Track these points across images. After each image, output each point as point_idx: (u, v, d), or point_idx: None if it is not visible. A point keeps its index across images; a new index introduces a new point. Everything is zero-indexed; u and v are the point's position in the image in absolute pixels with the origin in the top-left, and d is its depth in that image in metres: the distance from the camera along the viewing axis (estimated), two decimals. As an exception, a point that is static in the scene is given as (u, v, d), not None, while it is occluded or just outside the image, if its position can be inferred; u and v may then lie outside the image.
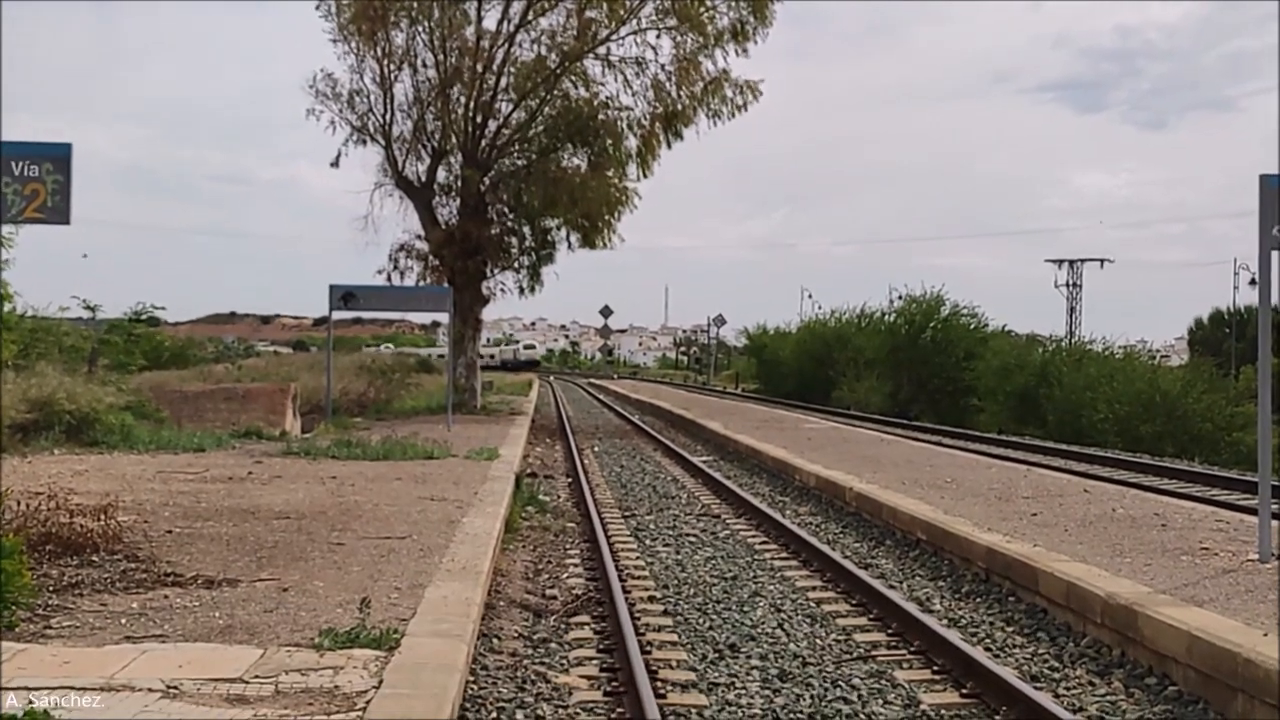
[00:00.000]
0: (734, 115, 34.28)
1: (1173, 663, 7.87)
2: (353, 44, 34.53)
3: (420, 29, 34.70)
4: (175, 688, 6.23)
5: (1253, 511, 11.71)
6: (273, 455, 19.45)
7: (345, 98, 34.98)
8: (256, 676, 6.50)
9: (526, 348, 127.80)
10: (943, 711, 7.51)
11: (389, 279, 35.05)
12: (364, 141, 35.29)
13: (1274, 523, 10.96)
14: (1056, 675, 8.32)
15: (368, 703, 6.06)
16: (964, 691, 7.87)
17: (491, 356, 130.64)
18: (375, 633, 7.34)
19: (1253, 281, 51.02)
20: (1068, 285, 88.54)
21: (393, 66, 34.84)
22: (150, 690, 6.17)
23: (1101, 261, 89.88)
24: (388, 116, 35.13)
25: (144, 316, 38.56)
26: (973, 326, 55.76)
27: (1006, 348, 51.49)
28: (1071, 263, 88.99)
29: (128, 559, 9.78)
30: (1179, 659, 7.79)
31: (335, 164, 35.47)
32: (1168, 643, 7.95)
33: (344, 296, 27.30)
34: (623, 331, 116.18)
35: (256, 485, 15.36)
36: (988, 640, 9.33)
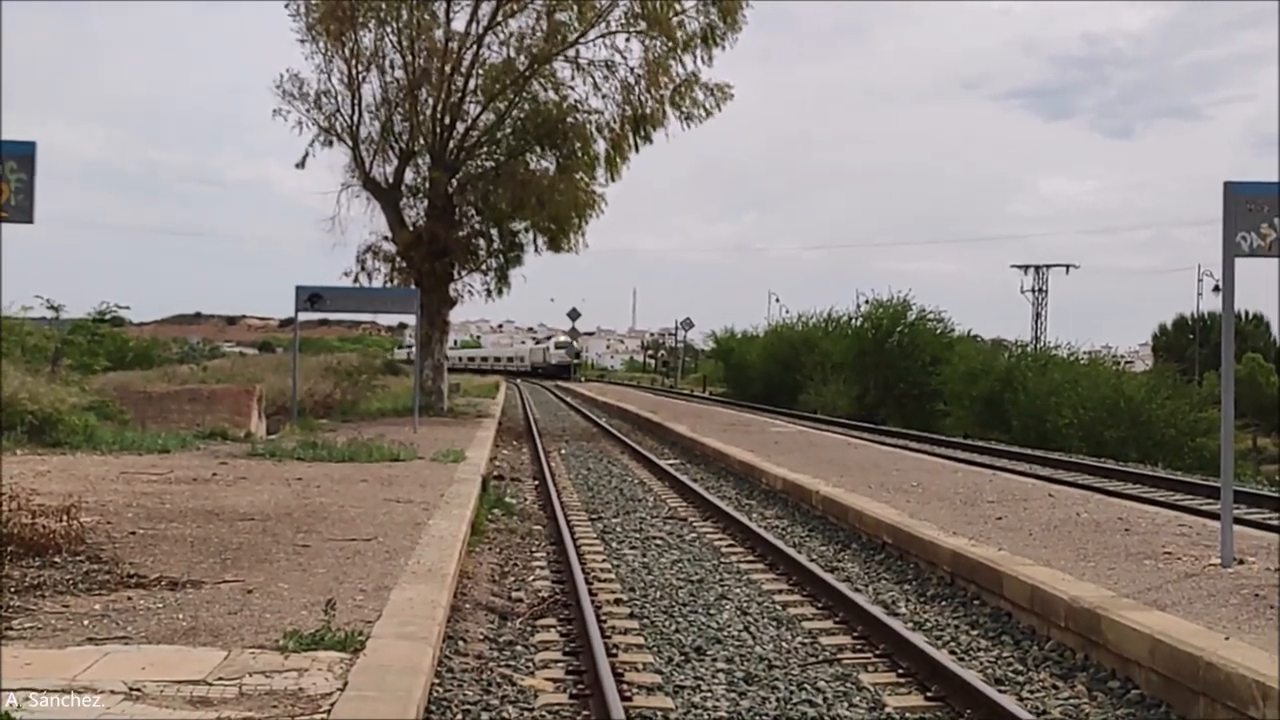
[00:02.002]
0: (704, 118, 34.37)
1: (1135, 666, 7.92)
2: (320, 44, 34.42)
3: (388, 30, 34.62)
4: (138, 690, 6.18)
5: (1215, 516, 11.80)
6: (238, 457, 19.34)
7: (313, 98, 34.87)
8: (220, 679, 6.46)
9: (559, 346, 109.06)
10: (907, 714, 7.54)
11: (356, 280, 34.96)
12: (331, 142, 35.20)
13: (1236, 527, 11.05)
14: (1021, 678, 8.36)
15: (332, 705, 6.03)
16: (929, 694, 7.89)
17: (509, 360, 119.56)
18: (340, 635, 7.30)
19: (1217, 288, 51.42)
20: (1033, 290, 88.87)
21: (360, 67, 34.74)
22: (113, 692, 6.12)
23: (1067, 267, 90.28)
24: (355, 117, 35.04)
25: (108, 317, 38.25)
26: (939, 331, 56.05)
27: (972, 353, 51.78)
28: (1037, 268, 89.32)
29: (90, 560, 9.69)
30: (1142, 662, 7.83)
31: (301, 165, 35.35)
32: (1131, 646, 7.99)
33: (310, 298, 27.18)
34: (590, 334, 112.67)
35: (221, 487, 15.26)
36: (953, 643, 9.36)
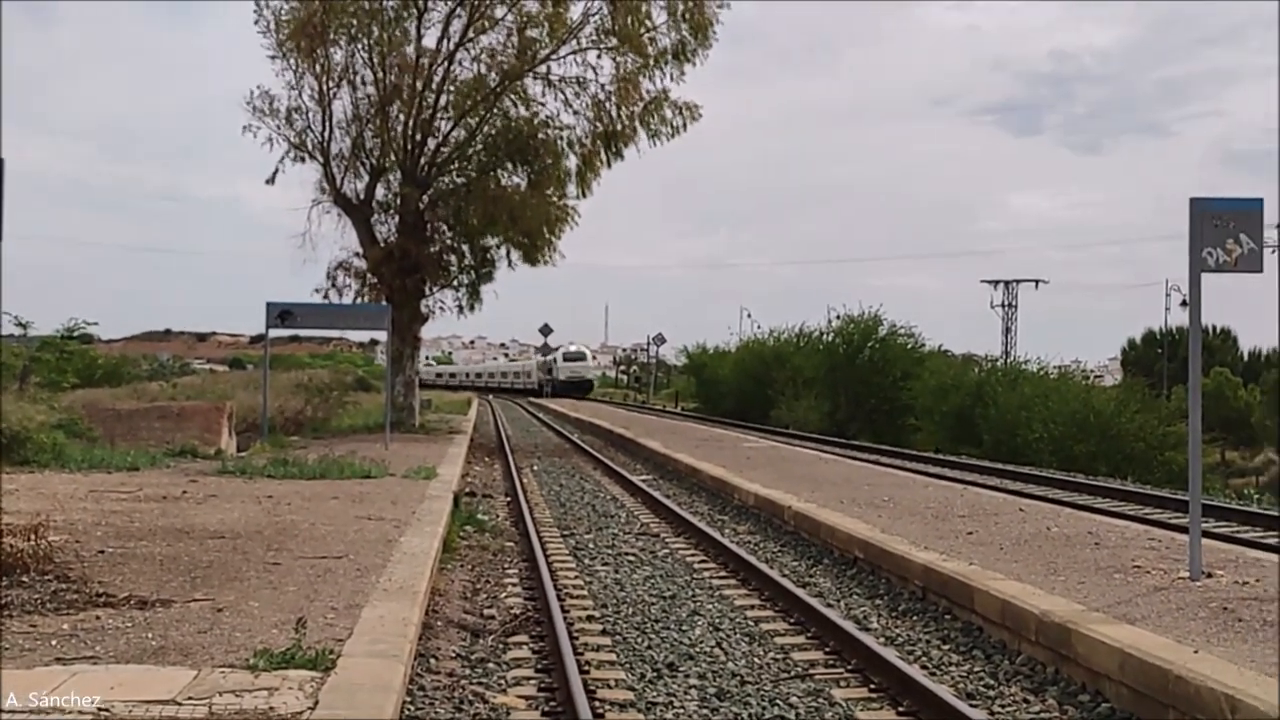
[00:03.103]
0: (674, 135, 34.45)
1: (1106, 680, 7.96)
2: (291, 61, 34.32)
3: (359, 46, 34.57)
4: (107, 710, 6.14)
5: (1184, 530, 11.88)
6: (208, 474, 19.24)
7: (283, 114, 34.78)
8: (190, 698, 6.42)
9: (569, 358, 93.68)
10: (880, 729, 7.55)
11: (327, 297, 34.88)
12: (302, 159, 35.10)
13: (1205, 541, 11.12)
14: (992, 693, 8.39)
15: (303, 724, 6.00)
16: (900, 709, 7.91)
17: (504, 377, 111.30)
18: (311, 653, 7.27)
19: (1184, 303, 51.80)
20: (1003, 306, 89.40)
21: (331, 84, 34.68)
22: (81, 712, 6.07)
23: (1036, 282, 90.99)
24: (326, 134, 34.98)
25: (76, 333, 38.01)
26: (910, 346, 56.29)
27: (943, 367, 52.02)
28: (1007, 283, 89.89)
29: (59, 579, 9.62)
30: (1112, 676, 7.87)
31: (271, 181, 35.24)
32: (1101, 660, 8.03)
33: (281, 314, 27.10)
34: (555, 349, 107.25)
35: (191, 504, 15.18)
36: (924, 658, 9.38)
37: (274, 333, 28.14)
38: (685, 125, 34.38)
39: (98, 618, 8.39)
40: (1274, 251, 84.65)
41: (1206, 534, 12.12)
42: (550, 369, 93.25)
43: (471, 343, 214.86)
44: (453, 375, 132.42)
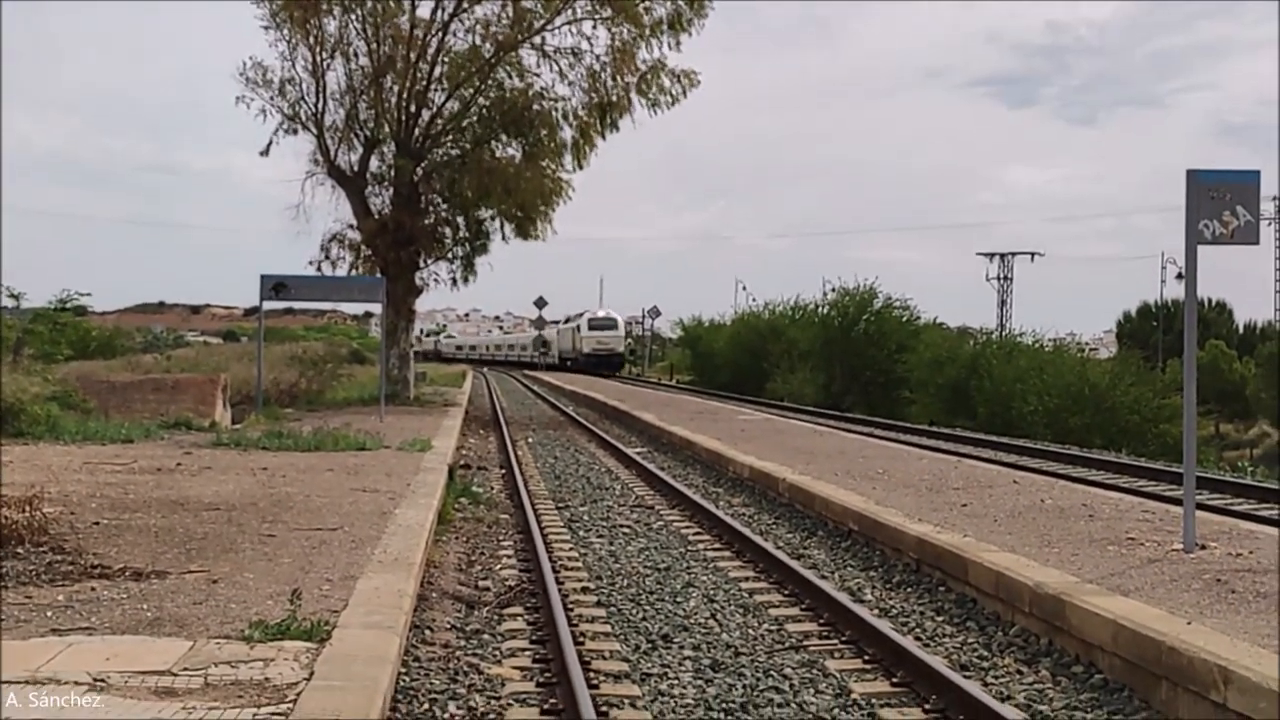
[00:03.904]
0: (671, 105, 34.35)
1: (1099, 651, 7.98)
2: (284, 31, 34.24)
3: (353, 17, 34.45)
4: (102, 680, 6.15)
5: (1178, 502, 11.91)
6: (202, 446, 19.23)
7: (277, 86, 34.71)
8: (185, 669, 6.43)
9: (596, 325, 78.34)
10: (873, 700, 7.57)
11: (320, 269, 34.92)
12: (295, 130, 35.07)
13: (1198, 513, 11.15)
14: (985, 664, 8.41)
15: (298, 695, 6.01)
16: (894, 680, 7.93)
17: (525, 350, 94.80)
18: (306, 624, 7.28)
19: (1180, 276, 51.80)
20: (999, 278, 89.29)
21: (325, 55, 34.58)
22: (77, 683, 6.08)
23: (1032, 255, 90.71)
24: (320, 105, 34.90)
25: (70, 305, 38.01)
26: (905, 319, 56.18)
27: (938, 340, 51.94)
28: (1002, 256, 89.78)
29: (54, 551, 9.63)
30: (1105, 647, 7.89)
31: (265, 153, 35.21)
32: (1094, 631, 8.05)
33: (275, 286, 27.06)
34: (555, 323, 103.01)
35: (186, 476, 15.18)
36: (918, 630, 9.41)
37: (268, 305, 28.14)
38: (685, 92, 34.28)
39: (93, 589, 8.40)
40: (1270, 224, 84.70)
41: (1200, 506, 12.15)
42: (574, 339, 79.67)
43: (466, 315, 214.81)
44: (473, 349, 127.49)
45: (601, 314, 79.29)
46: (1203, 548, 10.53)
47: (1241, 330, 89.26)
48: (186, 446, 19.18)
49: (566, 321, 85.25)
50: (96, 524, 11.15)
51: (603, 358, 76.29)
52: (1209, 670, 6.76)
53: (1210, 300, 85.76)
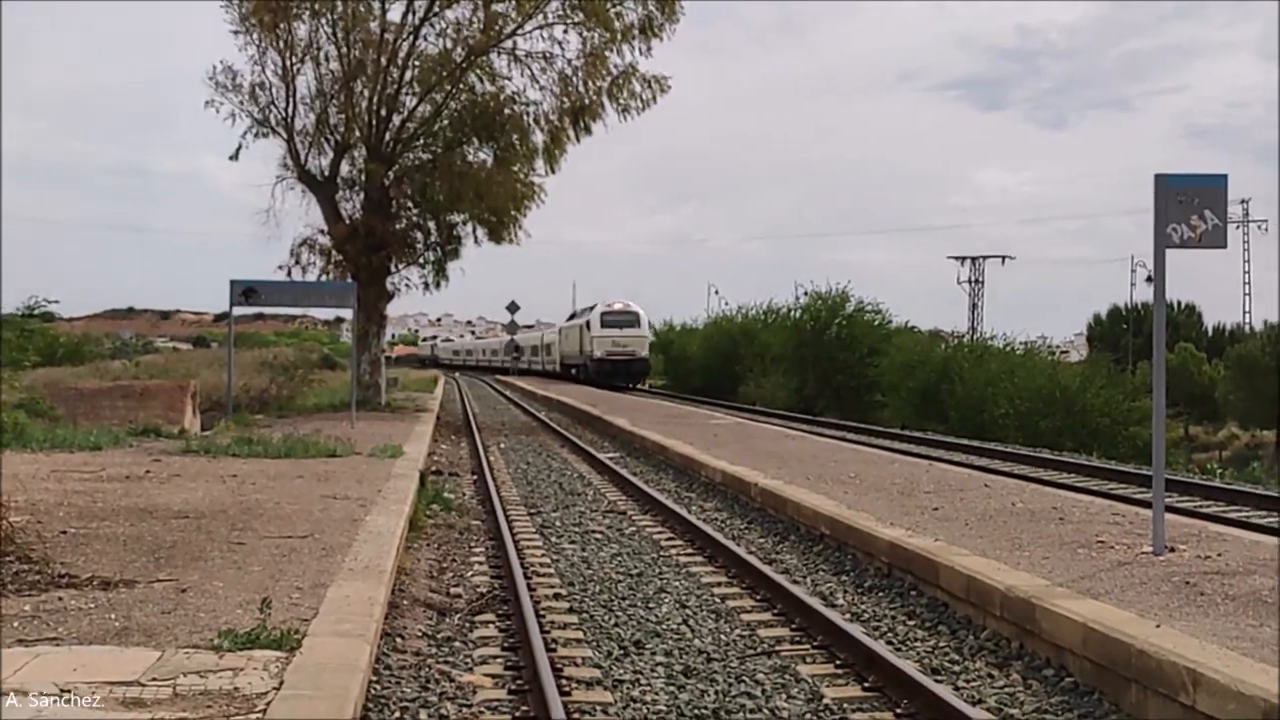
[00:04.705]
0: (642, 109, 34.36)
1: (1069, 654, 8.01)
2: (254, 35, 34.08)
3: (323, 21, 34.34)
4: (69, 691, 6.09)
5: (1148, 505, 11.96)
6: (171, 453, 19.12)
7: (246, 90, 34.54)
8: (154, 679, 6.38)
9: (611, 321, 59.24)
10: (845, 705, 7.57)
11: (290, 274, 34.72)
12: (265, 135, 34.90)
13: (1168, 516, 11.20)
14: (957, 668, 8.43)
15: (268, 704, 5.97)
16: (866, 685, 7.94)
17: (516, 355, 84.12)
18: (276, 633, 7.24)
19: (1149, 279, 52.07)
20: (970, 281, 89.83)
21: (295, 59, 34.45)
22: (43, 694, 6.02)
23: (1003, 258, 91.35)
24: (290, 109, 34.75)
25: (37, 311, 37.67)
26: (877, 323, 56.32)
27: (910, 344, 52.04)
28: (974, 259, 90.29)
29: (20, 560, 9.53)
30: (1075, 650, 7.92)
31: (235, 157, 35.03)
32: (1064, 635, 8.08)
33: (245, 292, 26.93)
34: (530, 327, 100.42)
35: (154, 484, 15.08)
36: (890, 634, 9.42)
37: (238, 310, 27.97)
38: (655, 98, 34.29)
39: (60, 599, 8.32)
40: (1238, 227, 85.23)
41: (1170, 509, 12.21)
42: (580, 340, 62.07)
43: (438, 320, 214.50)
44: (469, 353, 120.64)
45: (618, 306, 60.19)
46: (1172, 550, 10.58)
47: (1211, 333, 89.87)
48: (155, 454, 19.05)
49: (571, 319, 69.30)
50: (64, 533, 11.05)
51: (620, 364, 58.46)
52: (1178, 673, 6.79)
53: (1180, 303, 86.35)
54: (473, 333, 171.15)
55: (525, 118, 34.83)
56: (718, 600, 10.72)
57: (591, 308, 61.97)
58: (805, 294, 59.31)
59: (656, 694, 7.77)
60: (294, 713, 5.84)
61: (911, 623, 9.81)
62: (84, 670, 6.46)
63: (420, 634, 9.23)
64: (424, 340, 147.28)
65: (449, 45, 34.50)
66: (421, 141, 35.85)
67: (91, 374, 38.17)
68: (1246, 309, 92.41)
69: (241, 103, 34.49)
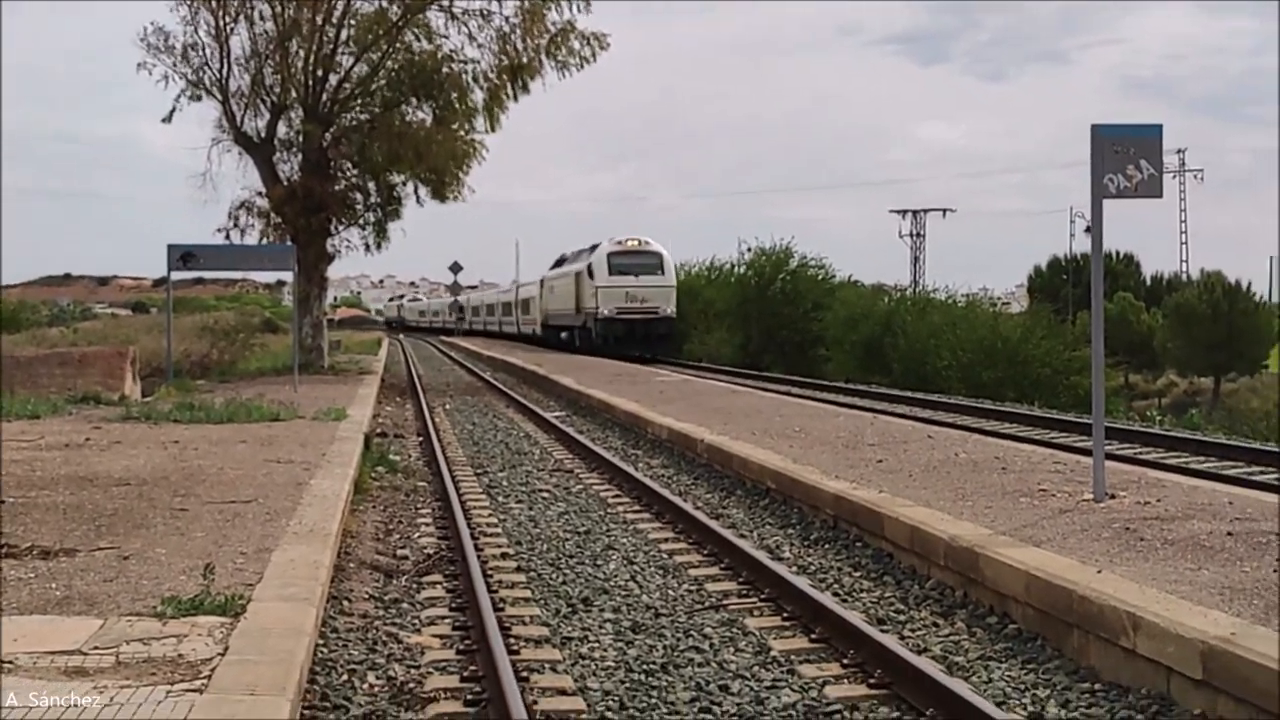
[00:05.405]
0: (581, 67, 34.08)
1: (1012, 602, 8.10)
2: (186, -6, 33.49)
3: (256, -22, 33.77)
4: (10, 662, 6.02)
5: (1088, 453, 12.08)
6: (111, 420, 18.90)
7: (179, 51, 34.00)
8: (96, 648, 6.32)
9: (622, 265, 44.64)
10: (792, 657, 7.62)
11: (229, 237, 34.34)
12: (200, 97, 34.38)
13: (1108, 463, 11.33)
14: (902, 617, 8.50)
15: (213, 670, 5.93)
16: (813, 637, 7.99)
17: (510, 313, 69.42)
18: (220, 599, 7.19)
19: (1088, 229, 52.59)
20: (912, 235, 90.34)
21: (228, 18, 33.90)
22: (-18, 666, 5.95)
23: (944, 211, 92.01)
24: (224, 70, 34.23)
25: (-29, 280, 37.18)
26: (820, 278, 56.45)
27: (853, 298, 52.27)
28: (915, 213, 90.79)
29: (-43, 531, 9.42)
30: (1018, 598, 8.01)
31: (168, 119, 34.47)
32: (1007, 582, 8.17)
33: (183, 256, 26.63)
34: (473, 287, 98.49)
35: (95, 451, 14.91)
36: (836, 586, 9.49)
37: (177, 275, 27.69)
38: (594, 55, 34.02)
39: (-1, 569, 8.22)
40: (1174, 177, 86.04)
41: (1110, 456, 12.34)
42: (578, 293, 46.73)
43: (380, 282, 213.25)
44: (437, 314, 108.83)
45: (632, 243, 45.45)
46: (1112, 497, 10.71)
47: (1149, 282, 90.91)
48: (95, 421, 18.83)
49: (559, 265, 53.51)
50: (2, 502, 10.90)
51: (636, 324, 43.76)
52: (1119, 617, 6.88)
53: (1118, 253, 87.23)
54: (416, 292, 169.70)
55: (464, 76, 34.51)
56: (665, 556, 10.75)
57: (592, 248, 46.84)
58: (749, 250, 59.34)
59: (605, 650, 7.79)
60: (239, 678, 5.80)
61: (857, 574, 9.88)
62: (25, 640, 6.38)
63: (367, 596, 9.20)
64: (390, 300, 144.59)
65: (385, 3, 34.08)
66: (359, 101, 35.46)
67: (28, 341, 37.70)
68: (1183, 258, 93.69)
69: (174, 64, 33.98)
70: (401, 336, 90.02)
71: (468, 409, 27.36)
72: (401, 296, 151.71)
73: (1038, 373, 37.16)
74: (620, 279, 44.11)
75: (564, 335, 49.83)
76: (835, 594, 9.14)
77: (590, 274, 45.17)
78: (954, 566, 8.98)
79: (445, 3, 33.86)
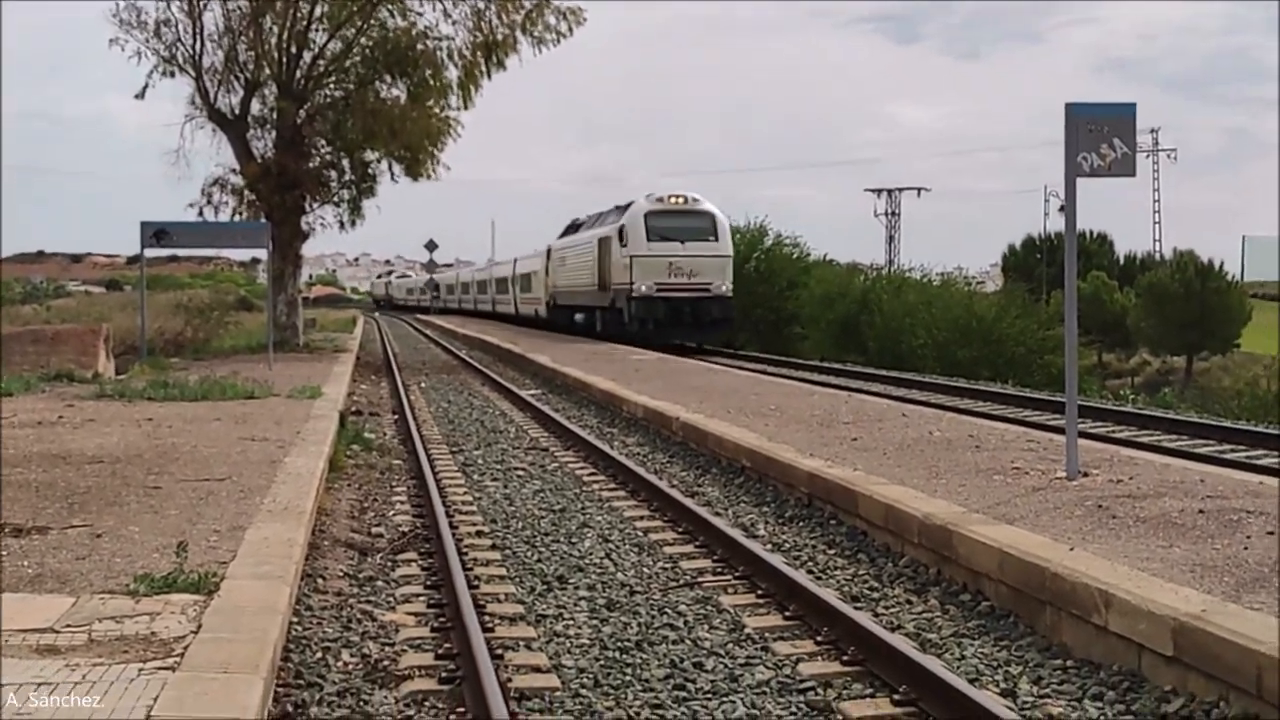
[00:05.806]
0: (558, 42, 33.90)
1: (985, 579, 8.14)
2: (159, -31, 33.23)
3: (229, -46, 33.51)
4: (-19, 641, 5.99)
5: (1061, 431, 12.13)
6: (85, 398, 18.79)
7: (152, 27, 33.68)
8: (68, 625, 6.30)
9: (664, 229, 35.11)
10: (766, 634, 7.65)
11: (202, 214, 34.10)
12: (173, 73, 34.06)
13: (1081, 441, 11.39)
14: (876, 595, 8.54)
15: (186, 648, 5.92)
16: (787, 614, 8.02)
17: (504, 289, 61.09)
18: (194, 577, 7.17)
19: (1062, 208, 52.69)
20: (887, 214, 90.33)
21: (201, -6, 33.64)
22: (-46, 645, 5.92)
23: (919, 190, 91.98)
24: (197, 46, 33.97)
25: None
26: (796, 256, 56.45)
27: (829, 277, 52.33)
28: (890, 192, 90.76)
29: (-72, 510, 9.37)
30: (991, 575, 8.05)
31: (141, 96, 34.16)
32: (981, 560, 8.21)
33: (156, 234, 26.43)
34: (449, 266, 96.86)
35: (68, 429, 14.83)
36: (810, 563, 9.52)
37: (151, 253, 27.51)
38: (570, 30, 33.84)
39: (-30, 548, 8.18)
40: (1147, 156, 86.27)
41: (1083, 434, 12.41)
42: (605, 267, 37.44)
43: (356, 260, 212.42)
44: (420, 292, 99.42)
45: (676, 200, 36.73)
46: (1085, 475, 10.76)
47: (1122, 261, 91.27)
48: (69, 399, 18.73)
49: (571, 231, 45.39)
50: (-26, 481, 10.85)
51: (684, 304, 35.33)
52: (1090, 594, 6.92)
53: (1091, 232, 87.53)
54: (454, 270, 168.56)
55: (438, 53, 34.30)
56: (640, 534, 10.77)
57: (622, 208, 37.86)
58: (725, 228, 59.10)
59: (580, 628, 7.80)
60: (212, 656, 5.79)
61: (831, 552, 9.91)
62: (-4, 619, 6.36)
63: (341, 574, 9.19)
64: (379, 278, 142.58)
65: (359, -21, 33.87)
66: (333, 78, 35.24)
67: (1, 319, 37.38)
68: (1156, 237, 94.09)
69: (147, 40, 33.67)
70: (377, 315, 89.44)
71: (443, 387, 27.32)
72: (390, 272, 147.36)
73: (1012, 351, 37.29)
74: (662, 246, 35.39)
75: (579, 317, 41.67)
76: (809, 572, 9.17)
77: (622, 240, 36.00)
78: (928, 544, 9.01)
79: (419, -22, 33.66)
